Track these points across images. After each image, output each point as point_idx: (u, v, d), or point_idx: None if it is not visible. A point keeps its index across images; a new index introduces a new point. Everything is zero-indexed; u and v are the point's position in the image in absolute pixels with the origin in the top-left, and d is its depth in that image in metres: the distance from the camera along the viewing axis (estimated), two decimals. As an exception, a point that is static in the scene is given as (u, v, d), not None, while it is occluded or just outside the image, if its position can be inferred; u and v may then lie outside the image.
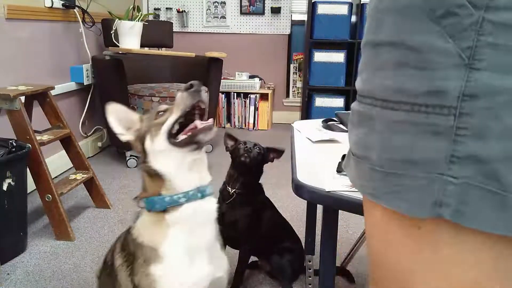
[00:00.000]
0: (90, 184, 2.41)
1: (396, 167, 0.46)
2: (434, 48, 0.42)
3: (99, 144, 3.47)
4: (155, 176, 0.97)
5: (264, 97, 4.45)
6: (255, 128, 4.48)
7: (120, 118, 1.05)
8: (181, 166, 0.95)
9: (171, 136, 0.95)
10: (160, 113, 0.99)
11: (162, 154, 0.96)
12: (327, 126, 1.52)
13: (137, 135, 1.03)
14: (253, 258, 1.77)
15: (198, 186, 0.97)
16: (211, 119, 0.95)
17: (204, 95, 0.93)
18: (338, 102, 4.06)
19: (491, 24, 0.39)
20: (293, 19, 4.59)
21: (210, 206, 1.00)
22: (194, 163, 0.97)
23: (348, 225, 2.26)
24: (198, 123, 0.93)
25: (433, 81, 0.42)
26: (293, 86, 4.72)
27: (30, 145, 1.96)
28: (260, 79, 4.55)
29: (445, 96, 0.41)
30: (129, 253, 1.02)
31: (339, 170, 1.02)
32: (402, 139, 0.45)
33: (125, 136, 1.04)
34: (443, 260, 0.47)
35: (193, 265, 0.97)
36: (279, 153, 1.60)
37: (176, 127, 0.95)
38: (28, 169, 2.00)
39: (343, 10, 3.88)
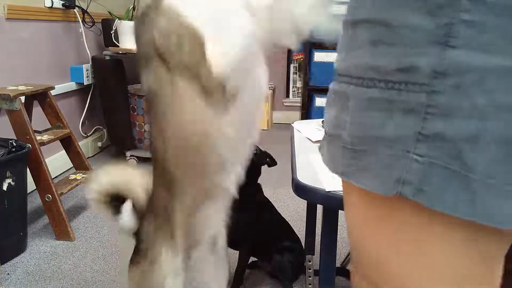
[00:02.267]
0: (90, 184, 2.41)
1: (366, 144, 0.45)
2: (409, 24, 0.41)
3: (99, 144, 3.47)
4: None
5: (264, 97, 4.45)
6: (255, 128, 4.47)
7: None
8: None
9: None
10: None
11: None
12: (327, 126, 1.52)
13: None
14: (253, 258, 1.77)
15: None
16: None
17: None
18: (338, 102, 4.06)
19: (469, 1, 0.38)
20: (293, 19, 4.58)
21: None
22: None
23: (348, 225, 2.26)
24: None
25: (406, 57, 0.41)
26: (293, 86, 4.72)
27: (30, 145, 1.95)
28: (260, 79, 4.54)
29: (417, 73, 0.41)
30: None
31: (339, 170, 1.02)
32: (374, 116, 0.44)
33: None
34: (412, 242, 0.46)
35: None
36: (271, 162, 1.63)
37: None
38: (28, 169, 2.00)
39: (343, 10, 3.87)
